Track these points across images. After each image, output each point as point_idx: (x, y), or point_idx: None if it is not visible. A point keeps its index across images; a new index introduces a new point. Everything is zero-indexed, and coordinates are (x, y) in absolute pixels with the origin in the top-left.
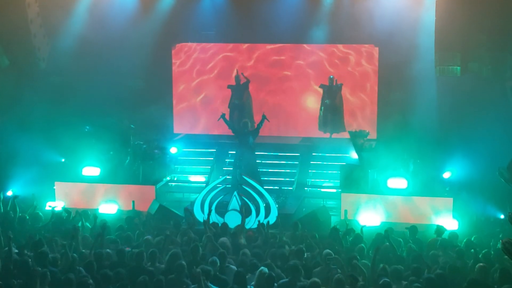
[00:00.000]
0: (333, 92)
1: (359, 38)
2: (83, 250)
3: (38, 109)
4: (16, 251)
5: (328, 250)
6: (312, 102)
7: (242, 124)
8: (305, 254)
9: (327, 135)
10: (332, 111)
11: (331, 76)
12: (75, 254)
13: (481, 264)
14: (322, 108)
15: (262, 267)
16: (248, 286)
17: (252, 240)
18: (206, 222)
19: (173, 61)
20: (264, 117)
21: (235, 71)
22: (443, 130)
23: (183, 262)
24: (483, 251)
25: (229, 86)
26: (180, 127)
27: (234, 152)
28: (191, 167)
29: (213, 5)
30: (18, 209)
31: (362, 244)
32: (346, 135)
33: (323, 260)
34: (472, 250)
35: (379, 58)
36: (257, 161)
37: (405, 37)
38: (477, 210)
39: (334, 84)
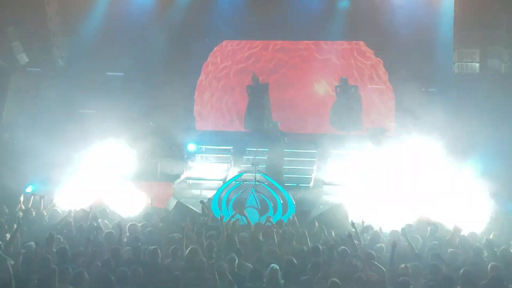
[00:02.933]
0: (347, 93)
1: (378, 34)
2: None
3: (57, 106)
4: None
5: (343, 247)
6: (330, 99)
7: (273, 124)
8: (322, 251)
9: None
10: (347, 111)
11: (343, 77)
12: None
13: (493, 263)
14: (335, 107)
15: (272, 264)
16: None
17: (269, 237)
18: (223, 218)
19: (194, 58)
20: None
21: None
22: (461, 127)
23: (204, 259)
24: (501, 248)
25: (247, 87)
26: (198, 124)
27: (252, 149)
28: (208, 163)
29: (231, 3)
30: (42, 206)
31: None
32: (364, 132)
33: (339, 258)
34: (494, 248)
35: (397, 54)
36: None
37: (424, 33)
38: (496, 208)
39: (348, 85)
